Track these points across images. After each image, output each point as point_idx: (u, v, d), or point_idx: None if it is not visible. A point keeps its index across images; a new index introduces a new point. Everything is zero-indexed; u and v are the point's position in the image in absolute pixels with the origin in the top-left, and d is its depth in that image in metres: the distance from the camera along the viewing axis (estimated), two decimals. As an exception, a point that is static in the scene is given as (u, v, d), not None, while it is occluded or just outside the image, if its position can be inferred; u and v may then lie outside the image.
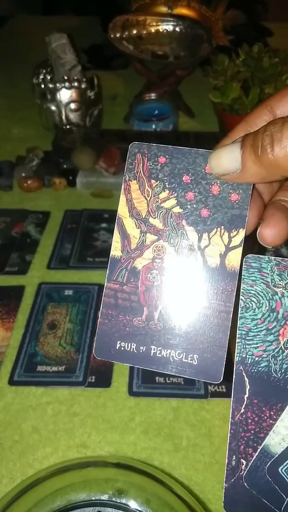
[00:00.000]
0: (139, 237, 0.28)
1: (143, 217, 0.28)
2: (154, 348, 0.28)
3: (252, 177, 0.25)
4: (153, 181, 0.28)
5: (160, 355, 0.27)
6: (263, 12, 1.21)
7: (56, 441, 0.43)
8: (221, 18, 0.84)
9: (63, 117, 0.82)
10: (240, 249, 0.27)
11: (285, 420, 0.25)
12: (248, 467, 0.25)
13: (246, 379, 0.25)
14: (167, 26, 0.79)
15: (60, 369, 0.48)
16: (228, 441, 0.25)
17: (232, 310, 0.27)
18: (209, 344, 0.27)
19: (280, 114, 0.27)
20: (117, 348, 0.28)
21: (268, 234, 0.27)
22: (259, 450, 0.25)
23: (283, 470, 0.25)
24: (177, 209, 0.28)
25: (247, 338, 0.26)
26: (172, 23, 0.79)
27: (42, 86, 0.82)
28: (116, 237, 0.29)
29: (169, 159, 0.28)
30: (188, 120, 0.92)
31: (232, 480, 0.25)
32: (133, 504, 0.32)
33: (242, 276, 0.26)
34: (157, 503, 0.32)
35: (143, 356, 0.27)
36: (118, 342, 0.28)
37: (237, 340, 0.26)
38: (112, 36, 0.82)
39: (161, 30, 0.80)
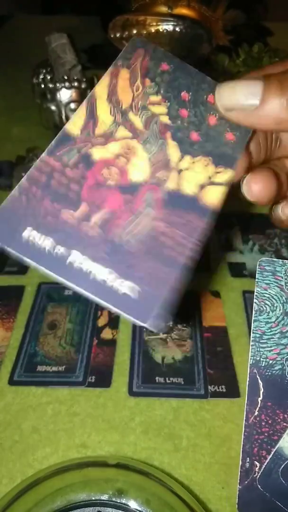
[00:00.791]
0: (110, 126, 0.24)
1: (123, 108, 0.25)
2: (76, 255, 0.21)
3: (266, 118, 0.23)
4: (148, 80, 0.25)
5: (80, 266, 0.21)
6: (263, 12, 1.21)
7: (56, 441, 0.43)
8: (221, 18, 0.84)
9: (63, 117, 0.82)
10: (222, 188, 0.24)
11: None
12: (262, 469, 0.25)
13: (260, 382, 0.25)
14: (167, 26, 0.79)
15: (60, 369, 0.48)
16: (242, 443, 0.25)
17: (193, 248, 0.22)
18: (151, 276, 0.21)
19: None
20: (24, 236, 0.21)
21: (255, 188, 0.24)
22: (272, 452, 0.25)
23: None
24: (165, 119, 0.25)
25: (261, 341, 0.26)
26: (172, 23, 0.79)
27: (42, 86, 0.82)
28: (81, 114, 0.24)
29: (173, 69, 0.25)
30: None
31: (246, 482, 0.25)
32: (133, 504, 0.32)
33: (256, 279, 0.26)
34: (157, 503, 0.32)
35: (57, 260, 0.21)
36: (28, 229, 0.21)
37: (251, 343, 0.26)
38: (112, 36, 0.81)
39: (161, 30, 0.80)
